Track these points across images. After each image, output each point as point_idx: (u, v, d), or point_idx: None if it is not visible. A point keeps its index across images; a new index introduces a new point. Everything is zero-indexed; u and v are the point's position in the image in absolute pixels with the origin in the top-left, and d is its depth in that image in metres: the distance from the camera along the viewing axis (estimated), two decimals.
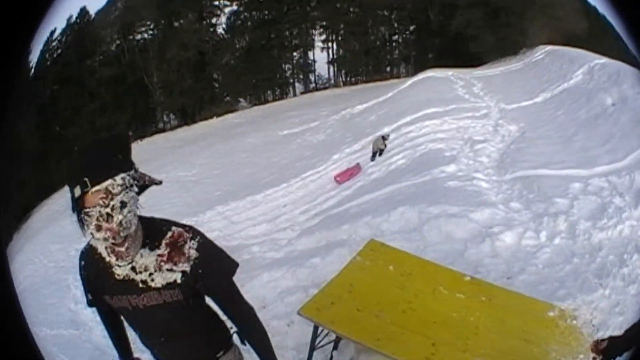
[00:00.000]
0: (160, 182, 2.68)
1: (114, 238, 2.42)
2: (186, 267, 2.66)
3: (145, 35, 56.16)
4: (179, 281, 2.66)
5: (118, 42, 54.74)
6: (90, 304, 3.03)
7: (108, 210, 2.32)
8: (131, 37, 55.06)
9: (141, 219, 2.69)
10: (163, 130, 54.70)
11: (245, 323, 2.99)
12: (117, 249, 2.50)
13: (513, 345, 4.53)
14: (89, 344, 10.96)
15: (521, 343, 4.51)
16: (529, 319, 4.39)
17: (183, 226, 2.76)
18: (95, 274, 2.83)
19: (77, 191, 2.35)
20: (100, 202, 2.32)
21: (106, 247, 2.57)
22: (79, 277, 10.61)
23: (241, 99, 54.36)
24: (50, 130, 50.08)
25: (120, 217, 2.37)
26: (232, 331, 3.21)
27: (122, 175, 2.39)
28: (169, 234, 2.68)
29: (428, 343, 4.51)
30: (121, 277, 2.70)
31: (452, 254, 7.38)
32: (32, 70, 49.23)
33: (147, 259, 2.66)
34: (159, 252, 2.67)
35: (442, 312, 4.82)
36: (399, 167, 13.83)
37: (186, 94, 52.46)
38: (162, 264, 2.65)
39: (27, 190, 45.28)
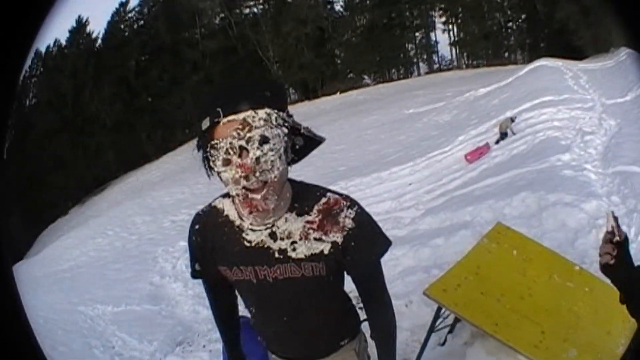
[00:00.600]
0: (323, 139, 2.41)
1: (247, 178, 2.04)
2: (338, 237, 2.31)
3: (255, 10, 57.24)
4: (326, 252, 2.31)
5: (222, 15, 55.95)
6: (195, 275, 2.70)
7: (242, 142, 2.00)
8: (238, 10, 56.34)
9: (290, 181, 2.37)
10: None
11: (380, 310, 2.68)
12: (251, 195, 2.10)
13: (598, 337, 4.61)
14: (170, 320, 10.84)
15: (604, 335, 4.59)
16: (613, 312, 4.17)
17: (339, 194, 2.42)
18: (214, 241, 2.48)
19: (206, 123, 2.09)
20: (234, 133, 2.01)
21: (239, 201, 2.20)
22: (171, 249, 13.64)
23: (365, 76, 54.56)
24: (139, 101, 52.10)
25: (258, 152, 2.02)
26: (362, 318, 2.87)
27: (268, 110, 2.06)
28: (324, 199, 2.36)
29: (538, 330, 4.55)
30: (253, 243, 2.34)
31: (564, 243, 7.50)
32: (99, 41, 51.49)
33: (292, 224, 2.31)
34: (308, 218, 2.32)
35: (554, 300, 4.86)
36: (521, 152, 13.87)
37: (307, 68, 52.85)
38: (311, 231, 2.31)
39: (101, 161, 47.77)
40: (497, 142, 15.87)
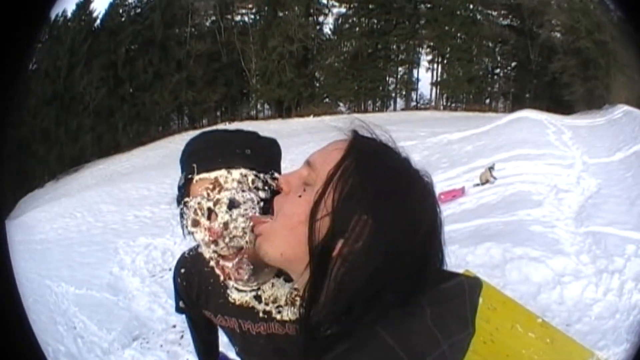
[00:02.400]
0: None
1: (215, 243, 1.92)
2: None
3: (246, 19, 57.17)
4: None
5: (214, 18, 55.88)
6: (179, 311, 2.59)
7: (210, 204, 1.90)
8: (229, 16, 56.25)
9: None
10: (255, 118, 55.86)
11: None
12: (222, 262, 1.99)
13: None
14: (127, 312, 11.10)
15: None
16: None
17: None
18: (199, 288, 2.37)
19: (182, 179, 2.02)
20: (204, 193, 1.92)
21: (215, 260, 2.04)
22: (131, 242, 13.80)
23: (340, 104, 54.31)
24: (122, 90, 51.82)
25: (227, 217, 1.89)
26: None
27: (244, 171, 1.94)
28: None
29: None
30: (237, 302, 2.23)
31: (527, 295, 7.77)
32: (97, 21, 51.49)
33: (279, 290, 2.17)
34: (296, 284, 1.95)
35: (515, 347, 3.94)
36: (490, 202, 13.94)
37: (285, 86, 52.69)
38: (298, 298, 1.87)
39: (79, 142, 47.67)
40: (475, 185, 15.94)
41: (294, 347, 2.17)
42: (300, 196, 1.39)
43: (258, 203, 1.91)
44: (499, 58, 52.95)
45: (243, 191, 1.90)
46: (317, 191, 1.34)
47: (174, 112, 57.07)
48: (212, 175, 1.90)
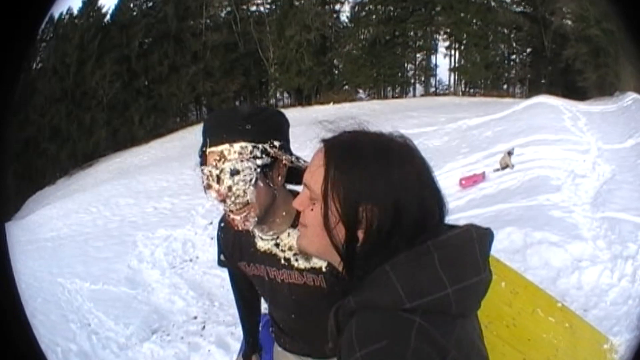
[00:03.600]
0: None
1: (223, 202, 2.34)
2: None
3: (262, 9, 57.01)
4: (323, 269, 2.52)
5: (229, 9, 55.70)
6: (220, 264, 3.00)
7: (217, 172, 2.28)
8: (245, 7, 56.01)
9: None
10: (274, 107, 55.12)
11: None
12: (232, 216, 2.38)
13: None
14: (145, 306, 11.02)
15: None
16: (592, 349, 4.45)
17: None
18: (233, 240, 2.78)
19: (200, 150, 2.39)
20: (213, 162, 2.29)
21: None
22: (150, 235, 14.03)
23: (360, 90, 54.64)
24: (137, 83, 51.95)
25: (230, 182, 2.27)
26: None
27: (243, 143, 2.28)
28: None
29: (520, 357, 4.38)
30: (262, 249, 2.62)
31: (546, 280, 7.71)
32: (107, 16, 51.42)
33: (294, 239, 2.47)
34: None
35: (536, 331, 4.63)
36: (510, 187, 13.87)
37: (304, 75, 52.79)
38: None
39: (93, 137, 47.57)
40: (495, 170, 15.86)
41: (312, 298, 2.59)
42: (312, 209, 1.66)
43: (256, 169, 2.29)
44: (514, 44, 52.78)
45: (242, 161, 2.26)
46: (320, 207, 1.61)
47: (192, 103, 57.27)
48: (219, 148, 2.28)
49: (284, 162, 2.41)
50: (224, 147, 2.28)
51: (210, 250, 13.16)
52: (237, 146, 2.28)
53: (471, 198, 14.00)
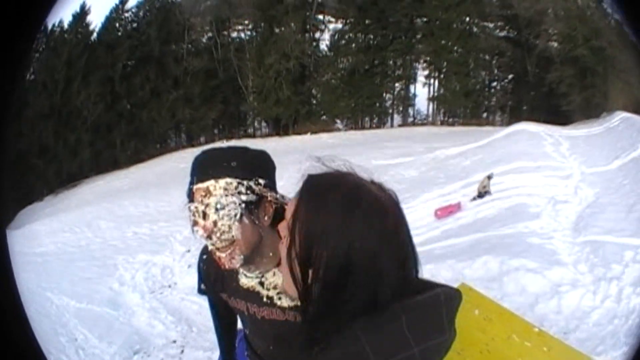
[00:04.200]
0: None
1: (209, 238, 2.33)
2: None
3: (242, 35, 56.96)
4: None
5: (210, 34, 55.61)
6: (201, 292, 3.05)
7: (203, 207, 2.31)
8: (226, 32, 55.86)
9: None
10: (252, 136, 55.86)
11: None
12: (218, 253, 2.38)
13: None
14: (128, 327, 11.28)
15: None
16: None
17: None
18: (216, 274, 2.78)
19: (188, 189, 2.41)
20: (200, 199, 2.32)
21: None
22: (131, 259, 14.17)
23: (338, 121, 54.12)
24: (119, 106, 51.44)
25: (215, 217, 2.30)
26: None
27: (228, 179, 2.33)
28: None
29: None
30: (246, 286, 2.63)
31: (524, 306, 7.84)
32: (94, 35, 51.37)
33: (279, 278, 2.51)
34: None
35: (512, 357, 4.75)
36: (487, 215, 13.98)
37: (283, 104, 52.44)
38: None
39: (77, 158, 47.41)
40: (473, 199, 15.98)
41: (292, 334, 2.46)
42: (282, 243, 1.73)
43: (240, 204, 2.30)
44: (495, 71, 52.86)
45: (226, 196, 2.29)
46: (286, 239, 1.69)
47: (172, 129, 56.71)
48: (205, 184, 2.30)
49: (269, 199, 2.41)
50: (210, 183, 2.32)
51: (188, 277, 13.50)
52: (222, 182, 2.32)
53: (448, 228, 14.15)
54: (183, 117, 54.05)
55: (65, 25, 48.28)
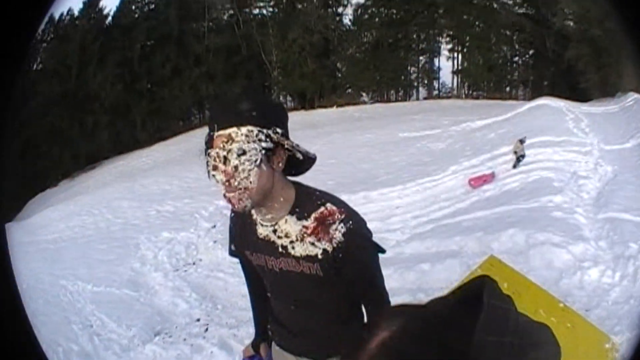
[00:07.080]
0: (311, 157, 2.73)
1: (228, 182, 2.48)
2: (328, 246, 2.61)
3: (264, 12, 56.41)
4: (319, 256, 2.63)
5: (232, 12, 55.42)
6: (231, 253, 3.18)
7: (225, 153, 2.44)
8: (247, 9, 55.50)
9: (298, 186, 2.77)
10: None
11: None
12: (228, 194, 2.52)
13: None
14: (149, 308, 11.01)
15: None
16: (594, 348, 4.41)
17: (340, 205, 2.70)
18: (240, 228, 2.96)
19: (207, 135, 2.55)
20: (221, 145, 2.45)
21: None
22: (154, 238, 14.14)
23: (363, 94, 54.25)
24: (139, 86, 51.48)
25: (236, 162, 2.44)
26: None
27: (250, 127, 2.46)
28: (321, 209, 2.65)
29: None
30: (261, 236, 2.77)
31: (549, 281, 7.70)
32: (109, 18, 51.29)
33: (290, 226, 2.68)
34: (305, 223, 2.66)
35: None
36: (513, 189, 13.89)
37: (307, 78, 52.48)
38: (305, 235, 2.65)
39: (96, 139, 47.30)
40: (514, 166, 15.95)
41: (309, 288, 2.77)
42: None
43: (260, 151, 2.47)
44: (517, 46, 52.48)
45: (248, 142, 2.44)
46: None
47: (195, 106, 57.06)
48: (227, 131, 2.46)
49: (285, 147, 2.58)
50: (232, 130, 2.46)
51: (213, 253, 13.33)
52: (244, 129, 2.45)
53: (475, 200, 14.07)
54: (207, 94, 53.93)
55: (76, 13, 48.19)
